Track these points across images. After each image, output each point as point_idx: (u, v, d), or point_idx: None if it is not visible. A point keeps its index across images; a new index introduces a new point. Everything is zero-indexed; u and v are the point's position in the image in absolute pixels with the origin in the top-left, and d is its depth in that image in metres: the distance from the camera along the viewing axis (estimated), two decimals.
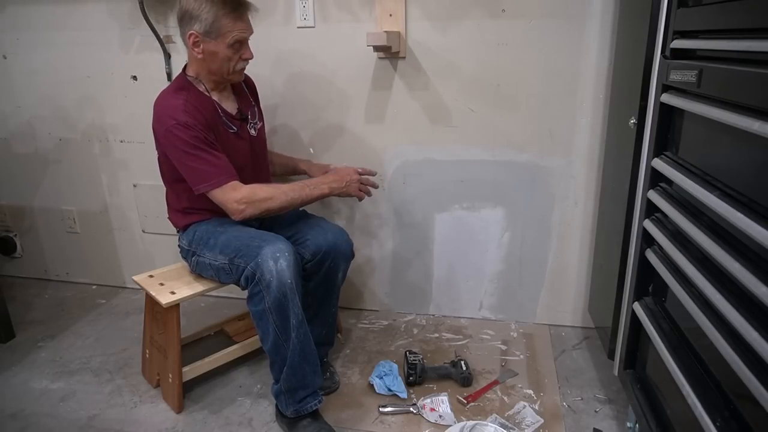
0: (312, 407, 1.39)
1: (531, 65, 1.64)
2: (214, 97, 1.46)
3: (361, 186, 1.54)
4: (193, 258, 1.50)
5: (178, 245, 1.57)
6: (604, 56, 1.59)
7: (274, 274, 1.29)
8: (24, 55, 2.03)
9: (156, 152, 1.49)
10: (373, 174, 1.61)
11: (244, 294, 1.46)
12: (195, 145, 1.35)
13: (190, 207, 1.51)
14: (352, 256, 1.58)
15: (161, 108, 1.40)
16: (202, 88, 1.45)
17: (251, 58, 1.45)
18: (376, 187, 1.61)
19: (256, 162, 1.58)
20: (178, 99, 1.38)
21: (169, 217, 1.58)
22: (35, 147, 2.15)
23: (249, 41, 1.44)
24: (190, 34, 1.36)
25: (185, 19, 1.36)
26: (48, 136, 2.12)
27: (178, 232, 1.58)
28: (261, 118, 1.62)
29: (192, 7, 1.34)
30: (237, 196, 1.37)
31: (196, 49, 1.38)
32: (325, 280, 1.53)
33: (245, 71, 1.51)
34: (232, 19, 1.36)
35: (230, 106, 1.51)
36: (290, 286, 1.31)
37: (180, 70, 1.48)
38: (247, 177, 1.50)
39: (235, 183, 1.38)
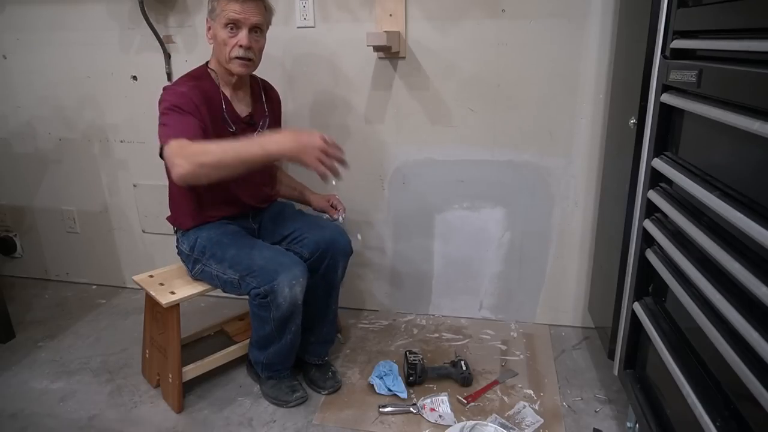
0: (283, 375, 1.55)
1: (531, 65, 1.64)
2: (225, 92, 1.47)
3: (322, 157, 1.21)
4: (197, 266, 1.49)
5: (177, 247, 1.56)
6: (604, 56, 1.59)
7: (287, 299, 1.34)
8: (24, 55, 2.03)
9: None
10: (341, 153, 1.26)
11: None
12: (173, 107, 1.35)
13: (194, 207, 1.48)
14: (351, 252, 1.58)
15: (170, 86, 1.43)
16: (215, 77, 1.46)
17: (246, 46, 1.38)
18: (343, 164, 1.26)
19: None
20: (188, 85, 1.40)
21: (168, 218, 1.56)
22: (35, 147, 2.15)
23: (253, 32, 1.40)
24: (207, 20, 1.42)
25: (209, 8, 1.42)
26: (48, 136, 2.12)
27: (176, 232, 1.57)
28: (274, 129, 1.58)
29: None
30: (174, 150, 1.25)
31: (208, 34, 1.42)
32: (324, 277, 1.54)
33: (273, 86, 1.56)
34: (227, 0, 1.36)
35: (241, 108, 1.50)
36: (299, 305, 1.38)
37: (181, 70, 1.48)
38: (235, 180, 1.46)
39: (179, 141, 1.26)
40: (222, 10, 1.37)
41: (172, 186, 1.52)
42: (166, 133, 1.31)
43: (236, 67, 1.41)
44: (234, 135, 1.45)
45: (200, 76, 1.45)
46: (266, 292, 1.33)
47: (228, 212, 1.53)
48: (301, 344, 1.59)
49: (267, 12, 1.44)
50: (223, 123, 1.45)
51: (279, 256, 1.39)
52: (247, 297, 1.42)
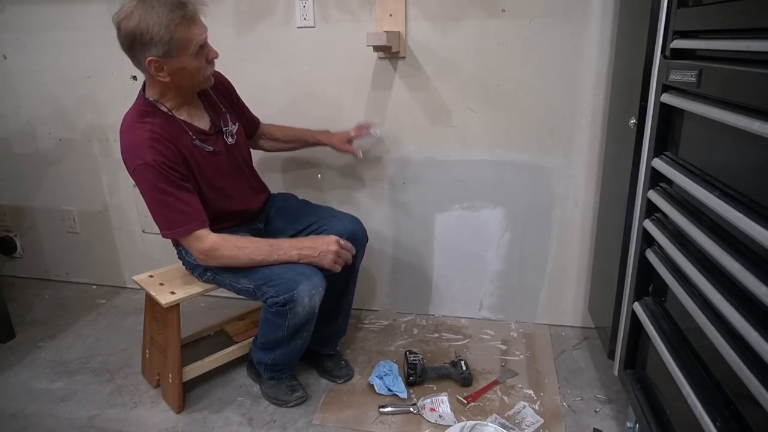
0: (284, 375, 1.55)
1: (531, 65, 1.64)
2: (183, 116, 1.37)
3: (337, 259, 1.39)
4: (208, 273, 1.46)
5: (182, 258, 1.53)
6: (604, 56, 1.59)
7: (306, 308, 1.34)
8: (24, 55, 2.02)
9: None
10: (350, 251, 1.43)
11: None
12: (162, 189, 1.27)
13: None
14: (367, 239, 1.61)
15: (128, 140, 1.30)
16: (165, 109, 1.34)
17: (217, 57, 1.35)
18: (349, 259, 1.43)
19: (238, 171, 1.51)
20: (144, 130, 1.28)
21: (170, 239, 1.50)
22: (35, 147, 2.15)
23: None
24: (150, 61, 1.23)
25: (136, 45, 1.22)
26: (48, 136, 2.12)
27: (177, 247, 1.52)
28: (236, 119, 1.51)
29: (140, 31, 1.20)
30: (201, 247, 1.33)
31: (160, 74, 1.26)
32: (344, 268, 1.53)
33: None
34: (186, 26, 1.22)
35: (202, 121, 1.42)
36: (315, 313, 1.38)
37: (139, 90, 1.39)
38: (230, 191, 1.47)
39: (201, 232, 1.33)
40: (188, 40, 1.24)
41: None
42: (175, 224, 1.31)
43: (209, 81, 1.37)
44: (212, 154, 1.41)
45: (150, 111, 1.33)
46: (285, 300, 1.32)
47: (234, 223, 1.53)
48: (314, 336, 1.56)
49: None
50: (198, 149, 1.38)
51: (297, 266, 1.38)
52: (264, 303, 1.40)
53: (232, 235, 1.38)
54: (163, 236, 1.35)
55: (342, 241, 1.40)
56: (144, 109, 1.33)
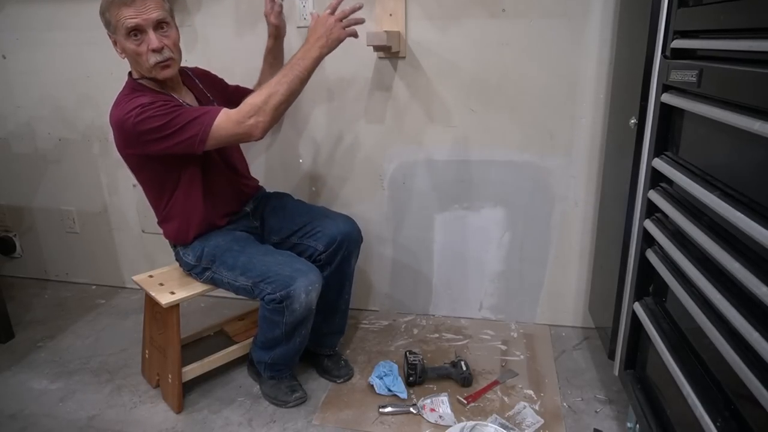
0: (284, 375, 1.54)
1: (531, 65, 1.64)
2: (173, 94, 1.39)
3: (346, 26, 1.34)
4: (206, 273, 1.46)
5: (178, 259, 1.53)
6: (604, 56, 1.59)
7: (303, 305, 1.34)
8: (24, 55, 2.02)
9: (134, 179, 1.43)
10: (355, 11, 1.36)
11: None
12: (165, 114, 1.25)
13: (186, 220, 1.45)
14: (362, 240, 1.61)
15: (120, 112, 1.29)
16: (157, 88, 1.37)
17: (158, 48, 1.30)
18: (359, 15, 1.36)
19: (229, 151, 1.51)
20: (132, 98, 1.29)
21: (164, 234, 1.52)
22: (35, 147, 2.15)
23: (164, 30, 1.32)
24: (108, 34, 1.33)
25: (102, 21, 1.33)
26: (48, 136, 2.12)
27: (174, 247, 1.53)
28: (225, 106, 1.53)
29: (99, 6, 1.31)
30: (238, 116, 1.27)
31: (117, 49, 1.34)
32: (339, 269, 1.55)
33: (198, 66, 1.52)
34: (117, 6, 1.26)
35: (190, 100, 1.45)
36: (313, 310, 1.38)
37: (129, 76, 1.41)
38: (228, 157, 1.49)
39: (225, 110, 1.29)
40: (117, 20, 1.27)
41: (160, 207, 1.47)
42: (199, 123, 1.26)
43: (161, 73, 1.33)
44: None
45: (139, 89, 1.35)
46: (282, 297, 1.32)
47: (230, 209, 1.53)
48: (313, 336, 1.57)
49: (164, 0, 1.32)
50: None
51: (294, 262, 1.38)
52: (261, 300, 1.40)
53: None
54: (201, 145, 1.28)
55: (337, 12, 1.34)
56: (133, 87, 1.35)
